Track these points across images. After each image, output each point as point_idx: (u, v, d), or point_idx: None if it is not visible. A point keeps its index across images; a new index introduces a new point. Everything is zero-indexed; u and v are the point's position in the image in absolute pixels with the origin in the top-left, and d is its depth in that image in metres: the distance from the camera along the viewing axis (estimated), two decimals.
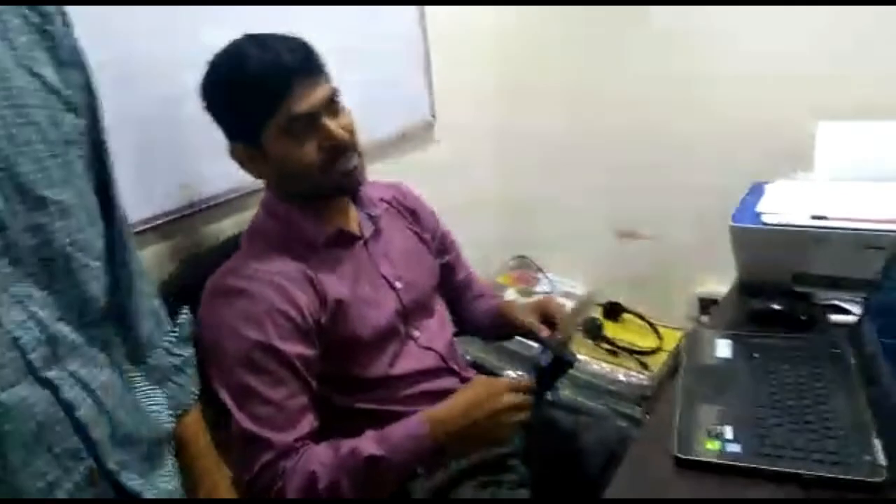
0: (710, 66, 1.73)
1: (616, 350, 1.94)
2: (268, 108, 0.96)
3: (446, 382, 1.15)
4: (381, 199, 1.22)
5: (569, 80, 1.99)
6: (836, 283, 1.22)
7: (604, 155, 2.00)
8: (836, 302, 1.22)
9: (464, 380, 1.18)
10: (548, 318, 1.22)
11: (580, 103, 1.98)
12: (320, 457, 0.95)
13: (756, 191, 1.37)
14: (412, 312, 1.16)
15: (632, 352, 1.92)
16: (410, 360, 1.13)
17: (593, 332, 1.98)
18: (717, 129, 1.77)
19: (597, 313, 2.11)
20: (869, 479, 0.81)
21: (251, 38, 0.98)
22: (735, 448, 0.89)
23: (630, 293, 2.10)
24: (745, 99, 1.70)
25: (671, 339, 1.94)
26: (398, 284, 1.14)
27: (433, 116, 1.88)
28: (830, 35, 1.57)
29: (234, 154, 1.04)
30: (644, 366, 1.88)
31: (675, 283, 2.00)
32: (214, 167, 1.18)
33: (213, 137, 1.04)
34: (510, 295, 2.13)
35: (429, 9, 1.78)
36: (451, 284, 1.34)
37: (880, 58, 1.52)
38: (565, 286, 2.17)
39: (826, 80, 1.57)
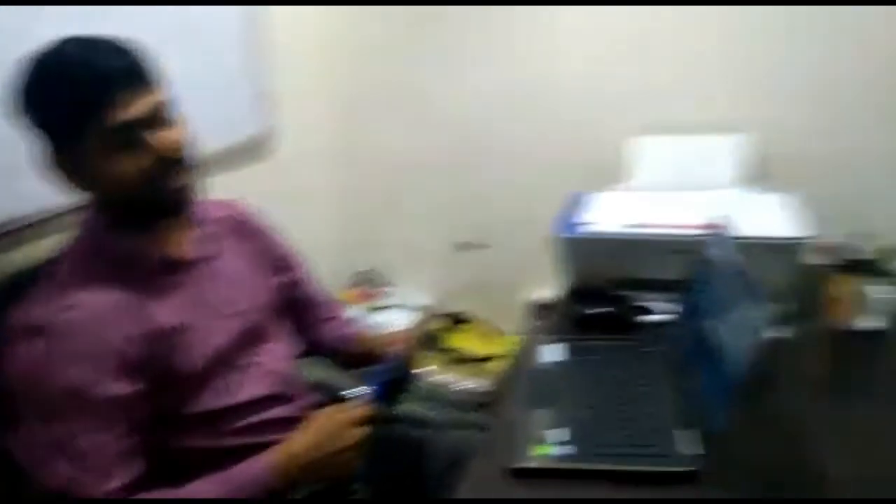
0: (538, 81, 1.82)
1: (458, 359, 1.97)
2: (85, 117, 0.86)
3: (286, 410, 1.10)
4: (217, 219, 1.14)
5: (401, 90, 2.01)
6: (647, 286, 1.32)
7: (439, 168, 2.04)
8: (653, 303, 1.32)
9: (304, 407, 1.13)
10: (390, 342, 1.21)
11: (414, 115, 2.01)
12: None
13: (575, 201, 1.45)
14: (252, 338, 1.09)
15: (473, 360, 1.96)
16: (250, 388, 1.05)
17: (435, 342, 2.00)
18: (546, 141, 1.87)
19: (439, 324, 2.14)
20: (682, 470, 0.87)
21: (74, 40, 0.87)
22: (565, 451, 0.92)
23: (471, 302, 2.16)
24: (571, 114, 1.81)
25: (509, 345, 2.00)
26: (233, 309, 1.07)
27: (268, 129, 1.80)
28: (648, 55, 1.70)
29: (51, 166, 0.92)
30: (484, 372, 1.93)
31: (512, 290, 2.08)
32: (22, 184, 1.04)
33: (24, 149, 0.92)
34: (355, 311, 2.10)
35: (261, 16, 1.71)
36: (296, 304, 1.28)
37: (694, 77, 1.67)
38: (409, 299, 2.18)
39: (643, 98, 1.71)
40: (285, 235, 1.29)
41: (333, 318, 1.33)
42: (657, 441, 0.92)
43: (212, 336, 1.01)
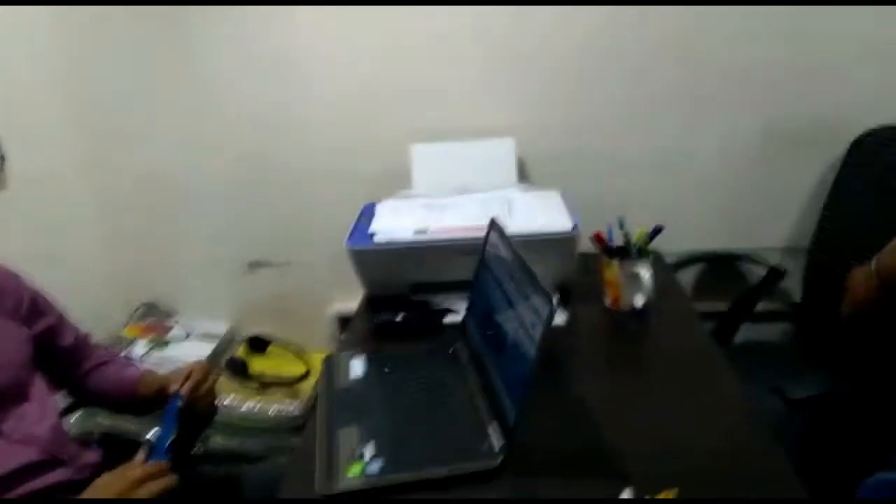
0: (311, 92, 1.78)
1: (265, 384, 1.88)
2: None
3: (55, 477, 0.96)
4: None
5: (169, 117, 1.86)
6: (446, 288, 1.36)
7: (218, 187, 1.92)
8: (449, 305, 1.36)
9: (80, 468, 1.00)
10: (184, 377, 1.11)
11: (181, 131, 1.87)
12: None
13: (366, 212, 1.45)
14: (4, 400, 0.94)
15: (281, 383, 1.88)
16: (8, 457, 0.91)
17: (238, 370, 1.89)
18: (326, 157, 1.84)
19: (240, 350, 2.02)
20: (488, 466, 0.89)
21: None
22: (376, 466, 0.91)
23: (272, 323, 2.07)
24: (346, 129, 1.80)
25: (318, 362, 1.95)
26: None
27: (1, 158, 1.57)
28: (419, 63, 1.74)
29: None
30: (296, 394, 1.87)
31: (313, 306, 2.03)
32: None
33: None
34: (141, 347, 1.91)
35: None
36: (58, 353, 1.13)
37: (468, 82, 1.74)
38: (203, 328, 2.04)
39: (416, 105, 1.75)
40: (41, 276, 1.13)
41: (108, 361, 1.20)
42: (462, 442, 0.94)
43: None
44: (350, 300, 1.53)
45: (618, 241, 1.32)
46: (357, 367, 1.17)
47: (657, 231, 1.30)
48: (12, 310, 1.04)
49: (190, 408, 1.08)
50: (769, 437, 0.95)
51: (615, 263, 1.30)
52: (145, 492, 0.87)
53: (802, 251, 1.71)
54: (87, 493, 0.87)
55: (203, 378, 1.12)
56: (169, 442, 0.99)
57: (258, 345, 2.02)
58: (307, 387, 1.89)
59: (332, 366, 1.19)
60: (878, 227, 1.45)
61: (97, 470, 1.01)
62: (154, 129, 1.86)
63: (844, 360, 1.35)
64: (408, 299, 1.38)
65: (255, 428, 1.81)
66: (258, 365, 1.94)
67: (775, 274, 1.75)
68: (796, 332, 1.85)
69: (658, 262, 1.48)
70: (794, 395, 1.10)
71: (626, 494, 0.76)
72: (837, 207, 1.61)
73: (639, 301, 1.29)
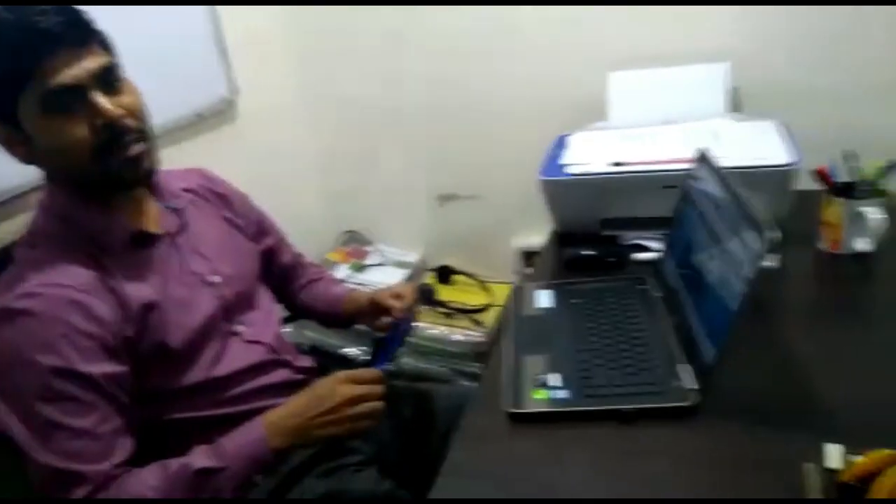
0: (507, 20, 1.76)
1: (450, 312, 1.97)
2: (19, 79, 0.82)
3: (280, 375, 1.09)
4: (184, 189, 1.11)
5: (372, 47, 1.94)
6: (639, 224, 1.31)
7: (416, 119, 1.99)
8: (641, 241, 1.30)
9: (298, 370, 1.12)
10: (396, 295, 1.19)
11: (387, 72, 1.95)
12: (147, 480, 0.86)
13: (560, 144, 1.42)
14: (234, 307, 1.07)
15: (465, 311, 1.96)
16: (236, 358, 1.04)
17: (427, 297, 1.99)
18: (520, 88, 1.82)
19: (429, 278, 2.12)
20: (681, 404, 0.86)
21: (4, 3, 0.82)
22: (562, 394, 0.92)
23: (458, 254, 2.14)
24: (541, 57, 1.76)
25: (501, 294, 2.00)
26: (215, 279, 1.05)
27: (233, 93, 1.75)
28: None
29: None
30: (478, 323, 1.93)
31: (499, 240, 2.06)
32: None
33: None
34: (342, 271, 2.08)
35: None
36: (277, 269, 1.26)
37: (660, 10, 1.62)
38: (397, 256, 2.16)
39: (617, 31, 1.66)
40: (263, 199, 1.26)
41: (319, 279, 1.32)
42: (652, 378, 0.92)
43: (191, 310, 0.99)
44: (534, 235, 1.54)
45: (843, 177, 1.17)
46: (544, 297, 1.17)
47: (894, 165, 1.14)
48: (244, 227, 1.17)
49: (396, 327, 1.15)
50: None
51: (839, 202, 1.16)
52: (355, 409, 0.92)
53: None
54: (308, 393, 0.95)
55: (413, 301, 1.19)
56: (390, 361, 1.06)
57: (445, 274, 2.11)
58: (489, 317, 1.95)
59: (519, 294, 1.20)
60: None
61: (312, 373, 1.13)
62: (355, 54, 1.95)
63: None
64: (597, 235, 1.34)
65: (441, 351, 1.90)
66: (444, 294, 2.03)
67: None
68: None
69: (892, 204, 1.30)
70: None
71: (831, 451, 0.69)
72: None
73: (863, 244, 1.15)
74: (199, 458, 0.88)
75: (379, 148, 2.08)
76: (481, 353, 1.85)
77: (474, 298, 2.02)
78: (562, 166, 1.30)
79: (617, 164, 1.26)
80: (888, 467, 0.66)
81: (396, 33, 1.88)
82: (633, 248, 1.30)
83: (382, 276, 2.04)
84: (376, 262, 2.13)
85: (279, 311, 1.22)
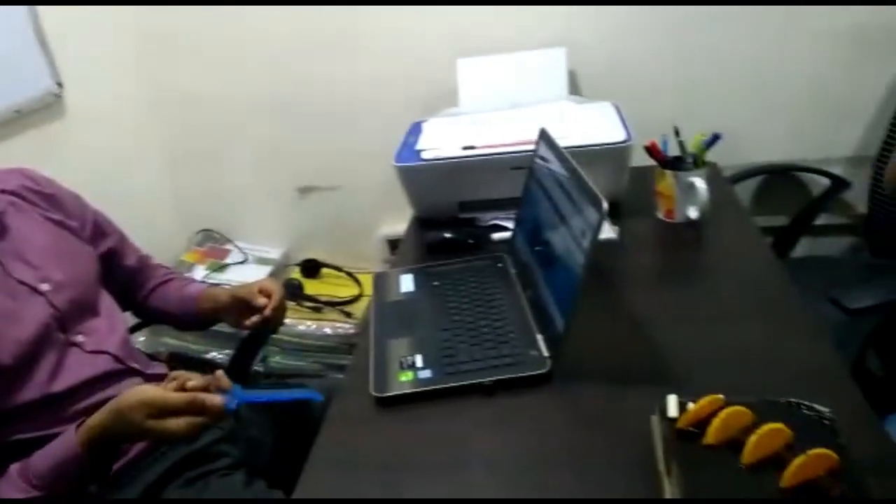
0: (356, 11, 1.75)
1: (319, 306, 1.94)
2: None
3: (129, 385, 1.02)
4: (2, 191, 1.01)
5: (216, 43, 1.86)
6: (494, 205, 1.35)
7: (269, 115, 1.93)
8: (498, 222, 1.35)
9: (150, 378, 1.05)
10: (263, 291, 1.14)
11: (232, 67, 1.87)
12: None
13: (414, 131, 1.44)
14: (71, 315, 0.99)
15: (334, 304, 1.94)
16: (77, 370, 0.97)
17: (293, 292, 1.95)
18: (374, 78, 1.82)
19: (294, 273, 2.08)
20: (537, 372, 0.91)
21: None
22: (427, 374, 0.93)
23: (324, 247, 2.11)
24: (393, 47, 1.77)
25: (370, 284, 1.99)
26: (44, 287, 0.97)
27: (58, 88, 1.61)
28: None
29: None
30: (349, 315, 1.92)
31: (365, 230, 2.06)
32: None
33: None
34: (200, 272, 1.99)
35: None
36: (121, 273, 1.18)
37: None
38: (258, 252, 2.10)
39: (460, 21, 1.70)
40: (102, 201, 1.17)
41: (169, 280, 1.25)
42: (510, 350, 0.96)
43: (19, 322, 0.91)
44: (399, 223, 1.55)
45: (673, 151, 1.28)
46: (407, 281, 1.19)
47: (715, 138, 1.25)
48: (78, 229, 1.08)
49: (264, 324, 1.11)
50: (825, 347, 0.92)
51: (669, 174, 1.26)
52: (174, 424, 0.80)
53: (868, 160, 1.62)
54: (119, 400, 0.83)
55: (282, 297, 1.15)
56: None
57: (312, 268, 2.07)
58: (360, 308, 1.94)
59: (382, 281, 1.21)
60: None
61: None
62: (199, 47, 1.86)
63: None
64: (456, 218, 1.38)
65: (311, 346, 1.88)
66: (312, 288, 2.00)
67: (839, 184, 1.68)
68: (860, 245, 1.78)
69: (715, 173, 1.43)
70: (853, 304, 1.06)
71: (670, 401, 0.76)
72: None
73: (693, 212, 1.26)
74: (10, 488, 0.82)
75: (229, 144, 2.00)
76: (354, 345, 1.85)
77: (343, 290, 2.00)
78: (417, 152, 1.32)
79: (468, 148, 1.29)
80: (720, 410, 0.72)
81: (242, 27, 1.82)
82: (491, 229, 1.34)
83: (245, 275, 1.97)
84: (237, 260, 2.05)
85: (126, 317, 1.15)
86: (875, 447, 0.75)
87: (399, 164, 1.29)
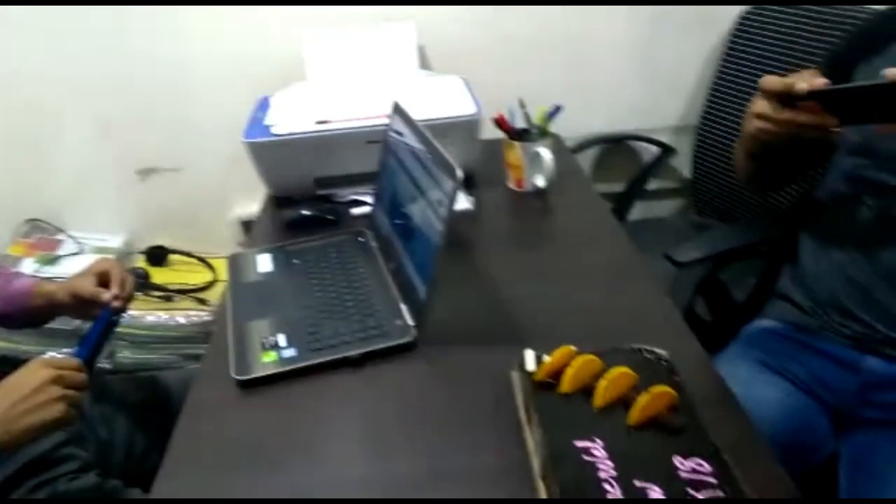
0: None
1: (170, 294, 1.83)
2: None
3: None
4: None
5: (34, 12, 1.66)
6: (352, 180, 1.34)
7: (98, 96, 1.76)
8: (356, 197, 1.34)
9: None
10: (103, 278, 1.05)
11: (55, 45, 1.69)
12: None
13: (262, 105, 1.38)
14: None
15: (186, 292, 1.84)
16: None
17: (140, 282, 1.82)
18: (214, 52, 1.72)
19: (140, 262, 1.94)
20: (401, 341, 0.92)
21: None
22: (290, 353, 0.92)
23: (172, 233, 1.99)
24: (233, 20, 1.68)
25: (224, 269, 1.91)
26: None
27: None
28: None
29: None
30: (203, 302, 1.83)
31: (214, 212, 1.96)
32: None
33: None
34: (29, 266, 1.80)
35: None
36: None
37: None
38: (96, 242, 1.93)
39: None
40: None
41: None
42: (375, 322, 0.96)
43: None
44: (252, 204, 1.49)
45: (519, 123, 1.33)
46: (264, 261, 1.15)
47: (556, 111, 1.32)
48: None
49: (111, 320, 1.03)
50: (661, 297, 1.02)
51: (517, 145, 1.31)
52: (53, 392, 0.81)
53: (692, 129, 1.79)
54: (3, 384, 0.82)
55: (124, 277, 1.06)
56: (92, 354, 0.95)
57: (158, 256, 1.95)
58: (215, 294, 1.86)
59: (238, 262, 1.16)
60: None
61: None
62: (20, 23, 1.66)
63: (730, 228, 1.46)
64: (313, 195, 1.35)
65: (164, 338, 1.77)
66: (160, 276, 1.88)
67: (666, 151, 1.84)
68: (687, 206, 1.96)
69: (558, 144, 1.51)
70: (682, 258, 1.18)
71: (527, 356, 0.80)
72: (724, 84, 1.68)
73: (540, 181, 1.32)
74: None
75: (56, 126, 1.81)
76: (211, 333, 1.76)
77: (196, 277, 1.90)
78: (266, 127, 1.27)
79: (321, 122, 1.27)
80: (572, 360, 0.77)
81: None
82: (350, 204, 1.33)
83: (81, 267, 1.81)
84: (71, 251, 1.88)
85: None
86: (706, 382, 0.84)
87: (249, 141, 1.24)
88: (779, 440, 0.96)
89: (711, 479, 0.63)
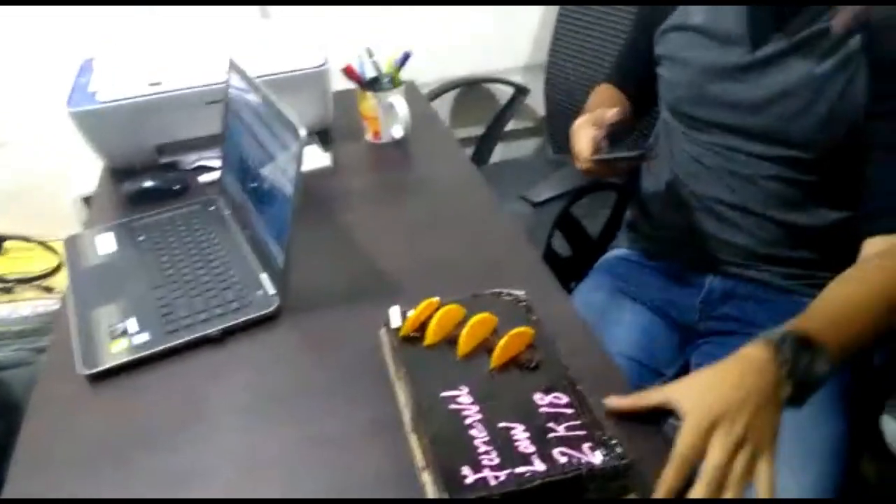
0: None
1: (9, 285, 1.66)
2: None
3: None
4: None
5: None
6: (197, 145, 1.26)
7: None
8: (204, 163, 1.26)
9: None
10: None
11: None
12: None
13: (85, 69, 1.25)
14: None
15: (28, 280, 1.68)
16: None
17: None
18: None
19: None
20: (265, 312, 0.89)
21: None
22: (143, 338, 0.86)
23: (5, 217, 1.79)
24: None
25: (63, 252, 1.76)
26: None
27: None
28: None
29: None
30: (49, 289, 1.68)
31: (53, 190, 1.79)
32: None
33: None
34: None
35: None
36: None
37: None
38: None
39: None
40: None
41: None
42: (234, 295, 0.92)
43: None
44: (88, 179, 1.37)
45: (370, 73, 1.30)
46: (106, 241, 1.06)
47: (406, 57, 1.30)
48: None
49: None
50: (520, 240, 1.05)
51: (370, 95, 1.28)
52: None
53: (541, 67, 1.83)
54: None
55: None
56: None
57: None
58: (62, 280, 1.71)
59: (75, 245, 1.07)
60: (607, 40, 1.59)
61: None
62: None
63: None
64: (156, 164, 1.26)
65: (8, 333, 1.61)
66: None
67: (520, 92, 1.87)
68: (543, 144, 2.02)
69: (413, 92, 1.49)
70: (537, 198, 1.22)
71: (392, 312, 0.80)
72: (568, 22, 1.72)
73: (397, 132, 1.31)
74: None
75: None
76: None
77: (38, 263, 1.74)
78: (92, 94, 1.16)
79: (154, 84, 1.17)
80: (436, 312, 0.78)
81: None
82: (197, 171, 1.26)
83: None
84: None
85: None
86: (562, 317, 0.88)
87: (74, 110, 1.13)
88: (634, 358, 1.04)
89: (569, 411, 0.67)
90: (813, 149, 0.92)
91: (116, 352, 0.84)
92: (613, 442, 0.63)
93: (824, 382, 0.68)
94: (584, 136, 0.97)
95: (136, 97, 1.15)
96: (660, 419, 0.71)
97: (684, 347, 1.11)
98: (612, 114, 1.00)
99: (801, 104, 0.90)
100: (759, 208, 1.00)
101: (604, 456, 0.62)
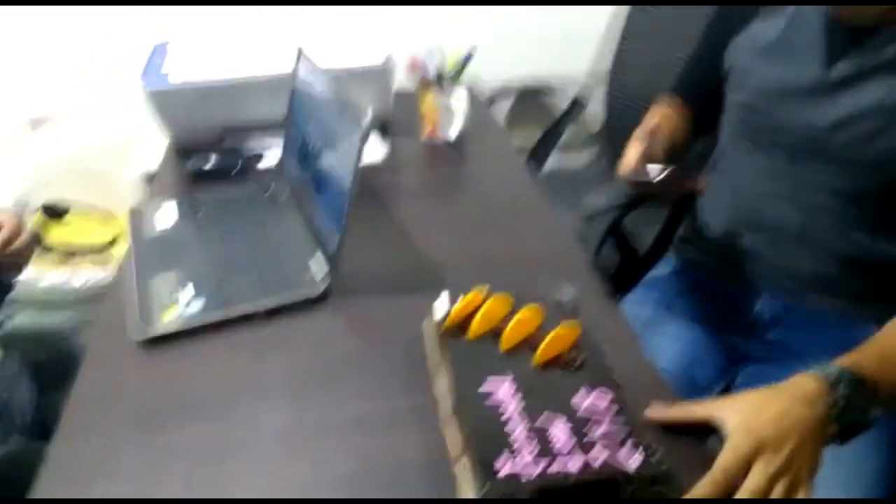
0: None
1: (69, 254, 1.73)
2: None
3: None
4: None
5: None
6: (260, 130, 1.29)
7: None
8: (265, 147, 1.29)
9: None
10: None
11: None
12: None
13: (159, 51, 1.30)
14: None
15: (87, 251, 1.74)
16: None
17: (37, 241, 1.71)
18: None
19: (34, 220, 1.82)
20: (313, 293, 0.91)
21: None
22: (196, 308, 0.88)
23: (66, 187, 1.87)
24: None
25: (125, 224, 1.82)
26: None
27: None
28: None
29: None
30: (107, 261, 1.74)
31: (113, 165, 1.85)
32: None
33: None
34: None
35: None
36: None
37: None
38: None
39: None
40: None
41: None
42: (285, 275, 0.94)
43: None
44: (152, 155, 1.41)
45: (435, 70, 1.31)
46: (167, 215, 1.10)
47: (468, 58, 1.31)
48: None
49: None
50: (570, 243, 1.05)
51: (430, 95, 1.29)
52: None
53: (604, 75, 1.82)
54: None
55: (16, 230, 1.00)
56: None
57: (54, 213, 1.83)
58: (118, 252, 1.77)
59: (139, 217, 1.11)
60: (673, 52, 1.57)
61: None
62: None
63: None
64: (220, 145, 1.29)
65: (63, 301, 1.68)
66: (57, 235, 1.77)
67: (578, 102, 1.86)
68: (599, 154, 2.01)
69: (473, 95, 1.50)
70: (587, 211, 1.22)
71: (442, 298, 0.81)
72: (634, 33, 1.71)
73: (453, 132, 1.32)
74: None
75: None
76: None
77: (97, 235, 1.80)
78: (166, 75, 1.20)
79: (226, 70, 1.21)
80: (483, 302, 0.78)
81: None
82: (258, 155, 1.29)
83: None
84: None
85: None
86: (610, 322, 0.88)
87: (151, 89, 1.17)
88: (675, 374, 1.02)
89: (610, 412, 0.66)
90: (882, 176, 0.89)
91: (169, 320, 0.87)
92: (653, 448, 0.63)
93: (871, 426, 0.67)
94: (632, 151, 0.96)
95: (210, 81, 1.19)
96: (703, 434, 0.70)
97: (729, 369, 1.09)
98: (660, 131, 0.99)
99: (873, 129, 0.87)
100: (819, 234, 0.97)
101: (642, 460, 0.61)
